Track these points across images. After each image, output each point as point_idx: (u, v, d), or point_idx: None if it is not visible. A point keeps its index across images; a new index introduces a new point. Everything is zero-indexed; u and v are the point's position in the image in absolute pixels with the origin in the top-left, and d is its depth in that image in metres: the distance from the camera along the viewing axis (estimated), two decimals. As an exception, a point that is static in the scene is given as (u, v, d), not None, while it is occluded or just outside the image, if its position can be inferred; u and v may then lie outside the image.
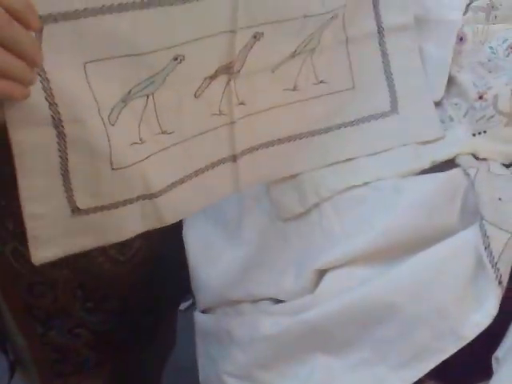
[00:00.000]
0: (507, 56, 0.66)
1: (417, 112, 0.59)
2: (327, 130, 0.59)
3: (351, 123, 0.59)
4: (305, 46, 0.56)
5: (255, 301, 0.60)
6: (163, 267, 0.72)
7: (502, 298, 0.49)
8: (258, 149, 0.56)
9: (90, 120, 0.43)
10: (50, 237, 0.45)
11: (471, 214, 0.54)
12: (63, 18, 0.38)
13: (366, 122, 0.59)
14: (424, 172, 0.56)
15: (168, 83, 0.47)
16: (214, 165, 0.54)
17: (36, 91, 0.39)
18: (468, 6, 0.76)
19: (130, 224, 0.49)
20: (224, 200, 0.63)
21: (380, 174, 0.57)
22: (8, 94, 0.36)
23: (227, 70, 0.51)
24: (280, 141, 0.57)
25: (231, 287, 0.62)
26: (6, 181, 0.61)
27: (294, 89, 0.57)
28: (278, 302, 0.59)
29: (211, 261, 0.64)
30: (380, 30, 0.59)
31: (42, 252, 0.45)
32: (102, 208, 0.46)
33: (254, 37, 0.51)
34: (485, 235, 0.51)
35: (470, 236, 0.52)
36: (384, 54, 0.60)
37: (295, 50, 0.55)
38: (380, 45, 0.60)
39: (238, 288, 0.61)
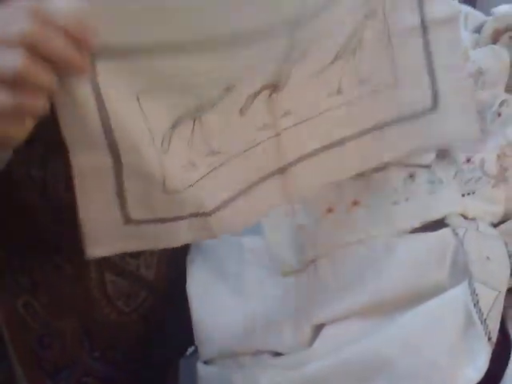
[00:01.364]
0: (494, 121, 0.70)
1: (457, 110, 0.57)
2: (370, 130, 0.57)
3: (393, 122, 0.57)
4: (345, 48, 0.53)
5: (256, 353, 0.63)
6: (167, 318, 0.75)
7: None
8: (305, 158, 0.55)
9: (145, 148, 0.44)
10: (105, 237, 0.48)
11: (461, 271, 0.56)
12: (118, 53, 0.40)
13: (407, 120, 0.57)
14: (415, 231, 0.59)
15: (217, 108, 0.48)
16: (263, 179, 0.54)
17: (94, 119, 0.41)
18: (458, 71, 0.81)
19: (180, 235, 0.51)
20: (225, 254, 0.67)
21: (373, 231, 0.60)
22: (30, 107, 0.36)
23: (271, 86, 0.51)
24: (326, 147, 0.56)
25: (232, 340, 0.64)
26: (20, 236, 0.65)
27: (338, 92, 0.55)
28: (278, 354, 0.62)
29: (213, 313, 0.67)
30: (424, 24, 0.54)
31: (96, 250, 0.47)
32: (153, 220, 0.49)
33: (301, 56, 0.50)
34: (474, 293, 0.54)
35: (459, 293, 0.55)
36: (427, 49, 0.55)
37: (336, 55, 0.53)
38: (423, 39, 0.55)
39: (239, 341, 0.64)
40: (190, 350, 0.98)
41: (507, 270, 0.56)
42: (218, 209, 0.51)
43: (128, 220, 0.48)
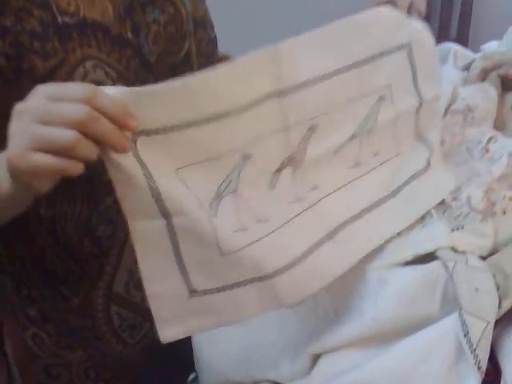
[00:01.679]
0: (482, 157, 0.74)
1: (440, 166, 0.67)
2: (390, 196, 0.64)
3: (406, 182, 0.65)
4: (362, 127, 0.61)
5: (254, 382, 0.65)
6: (169, 347, 0.77)
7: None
8: (348, 223, 0.61)
9: (195, 213, 0.49)
10: (174, 316, 0.51)
11: (451, 303, 0.59)
12: (155, 132, 0.46)
13: (414, 179, 0.65)
14: (407, 264, 0.62)
15: (244, 180, 0.53)
16: (315, 246, 0.58)
17: (144, 190, 0.46)
18: (447, 109, 0.85)
19: (247, 305, 0.54)
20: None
21: (368, 264, 0.63)
22: (70, 170, 0.43)
23: (291, 161, 0.56)
24: (361, 212, 0.62)
25: (232, 368, 0.66)
26: (30, 269, 0.68)
27: (356, 166, 0.63)
28: (276, 383, 0.64)
29: (213, 342, 0.69)
30: (421, 103, 0.65)
31: (168, 332, 0.51)
32: (217, 289, 0.52)
33: (310, 129, 0.57)
34: (464, 323, 0.56)
35: (450, 324, 0.57)
36: (417, 120, 0.66)
37: (353, 134, 0.61)
38: (416, 114, 0.66)
39: (239, 369, 0.66)
40: (191, 377, 1.00)
41: (495, 301, 0.58)
42: (278, 273, 0.54)
43: (192, 291, 0.51)
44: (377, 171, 0.64)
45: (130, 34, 0.61)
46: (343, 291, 0.63)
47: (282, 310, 0.66)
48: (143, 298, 0.73)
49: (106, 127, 0.42)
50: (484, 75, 0.94)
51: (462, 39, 2.31)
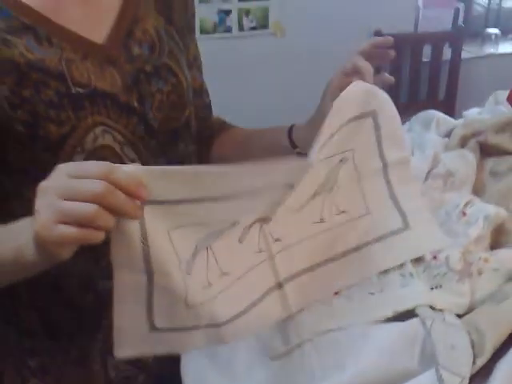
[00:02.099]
0: (459, 219, 0.79)
1: (424, 226, 0.70)
2: (354, 250, 0.69)
3: (374, 240, 0.69)
4: (323, 186, 0.67)
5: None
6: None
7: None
8: (300, 274, 0.67)
9: (174, 271, 0.55)
10: (132, 343, 0.58)
11: (429, 358, 0.62)
12: (160, 203, 0.52)
13: (384, 239, 0.69)
14: (388, 320, 0.66)
15: (224, 234, 0.59)
16: (265, 294, 0.65)
17: (136, 250, 0.52)
18: (428, 172, 0.91)
19: (195, 342, 0.61)
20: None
21: (351, 320, 0.67)
22: (92, 239, 0.48)
23: (262, 220, 0.63)
24: (318, 265, 0.68)
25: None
26: (32, 322, 0.71)
27: (321, 221, 0.68)
28: None
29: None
30: (384, 165, 0.69)
31: (123, 351, 0.58)
32: (174, 329, 0.59)
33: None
34: (440, 378, 0.60)
35: (427, 379, 0.60)
36: (388, 183, 0.70)
37: (315, 192, 0.66)
38: (385, 176, 0.70)
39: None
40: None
41: (470, 358, 0.62)
42: (228, 321, 0.61)
43: (153, 327, 0.58)
44: (343, 227, 0.69)
45: (136, 103, 0.67)
46: (329, 346, 0.67)
47: (271, 365, 0.69)
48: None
49: (120, 199, 0.47)
50: (464, 142, 1.00)
51: (449, 103, 2.42)
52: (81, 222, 0.47)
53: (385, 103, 0.68)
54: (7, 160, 0.63)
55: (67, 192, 0.47)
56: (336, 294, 0.70)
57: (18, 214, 0.64)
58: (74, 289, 0.69)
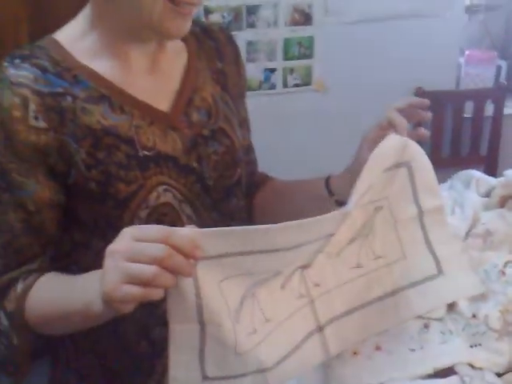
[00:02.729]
0: (498, 279, 0.81)
1: (459, 272, 0.73)
2: (391, 294, 0.71)
3: (409, 285, 0.71)
4: (360, 233, 0.70)
5: None
6: None
7: None
8: (338, 318, 0.70)
9: (224, 323, 0.59)
10: None
11: (468, 416, 0.64)
12: (213, 257, 0.57)
13: (418, 285, 0.71)
14: (427, 377, 0.68)
15: (264, 284, 0.63)
16: (306, 338, 0.68)
17: (190, 304, 0.57)
18: (468, 232, 0.94)
19: None
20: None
21: (392, 375, 0.69)
22: (154, 296, 0.53)
23: (303, 266, 0.67)
24: (355, 308, 0.71)
25: None
26: (91, 368, 0.76)
27: (358, 266, 0.71)
28: None
29: None
30: (420, 212, 0.73)
31: None
32: (224, 377, 0.62)
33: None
34: None
35: None
36: (424, 229, 0.73)
37: (352, 238, 0.70)
38: (420, 222, 0.73)
39: None
40: None
41: (510, 418, 0.63)
42: (274, 366, 0.64)
43: (205, 377, 0.62)
44: (379, 271, 0.72)
45: (194, 164, 0.74)
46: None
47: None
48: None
49: (177, 260, 0.53)
50: (503, 202, 1.02)
51: (492, 158, 2.42)
52: (144, 282, 0.52)
53: (418, 155, 0.72)
54: (78, 214, 0.70)
55: (132, 256, 0.53)
56: (377, 349, 0.73)
57: (84, 263, 0.70)
58: (131, 335, 0.74)
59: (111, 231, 0.58)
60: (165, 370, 0.73)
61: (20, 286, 0.67)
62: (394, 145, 0.70)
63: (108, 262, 0.54)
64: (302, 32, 2.17)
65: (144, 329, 0.74)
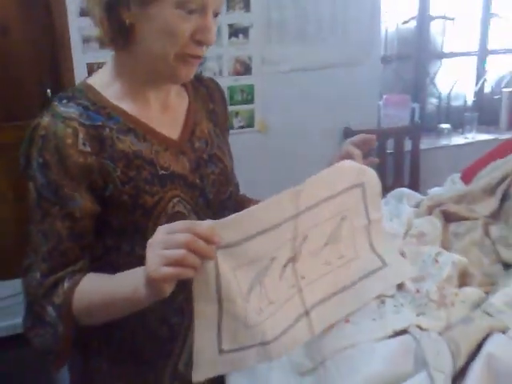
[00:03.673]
0: (433, 265, 1.03)
1: (397, 263, 0.96)
2: (351, 284, 0.93)
3: (364, 277, 0.93)
4: (331, 237, 0.90)
5: None
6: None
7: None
8: (319, 304, 0.89)
9: (238, 300, 0.76)
10: (206, 365, 0.77)
11: (420, 363, 0.84)
12: (228, 246, 0.74)
13: (370, 275, 0.94)
14: (388, 337, 0.88)
15: (267, 274, 0.81)
16: (296, 320, 0.85)
17: (212, 285, 0.73)
18: (405, 233, 1.17)
19: (250, 360, 0.79)
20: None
21: (361, 339, 0.88)
22: (186, 274, 0.69)
23: (292, 259, 0.85)
24: (330, 296, 0.90)
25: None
26: (121, 353, 0.90)
27: (328, 264, 0.91)
28: None
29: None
30: (369, 222, 0.95)
31: (200, 376, 0.76)
32: (235, 350, 0.78)
33: (304, 238, 0.86)
34: (431, 376, 0.81)
35: (421, 377, 0.82)
36: (369, 235, 0.96)
37: (326, 241, 0.90)
38: (367, 230, 0.95)
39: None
40: None
41: (450, 362, 0.84)
42: (274, 340, 0.81)
43: (221, 350, 0.78)
44: (341, 268, 0.93)
45: (198, 181, 0.92)
46: (345, 360, 0.88)
47: (300, 379, 0.89)
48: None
49: (201, 244, 0.69)
50: (430, 211, 1.27)
51: (413, 188, 2.74)
52: (177, 263, 0.68)
53: (371, 177, 0.94)
54: (110, 222, 0.86)
55: (165, 244, 0.69)
56: (347, 321, 0.92)
57: (115, 264, 0.85)
58: (154, 323, 0.90)
59: (138, 236, 0.75)
60: (180, 352, 0.90)
61: (67, 283, 0.82)
62: (352, 169, 0.92)
63: (149, 251, 0.70)
64: (244, 80, 2.44)
65: (164, 318, 0.90)
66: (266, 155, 2.47)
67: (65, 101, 0.85)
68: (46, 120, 0.82)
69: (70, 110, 0.83)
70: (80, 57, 2.03)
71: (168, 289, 0.70)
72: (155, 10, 0.80)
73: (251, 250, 0.78)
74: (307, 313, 0.88)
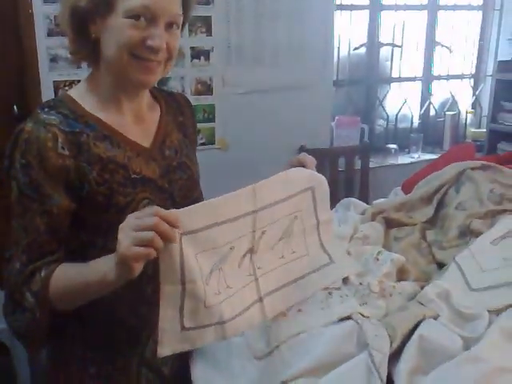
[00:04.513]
0: (375, 263, 1.17)
1: (343, 260, 1.08)
2: (301, 277, 1.04)
3: (312, 271, 1.05)
4: (285, 233, 1.01)
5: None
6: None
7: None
8: (272, 292, 0.99)
9: (199, 281, 0.85)
10: (169, 341, 0.86)
11: (363, 344, 0.97)
12: (191, 232, 0.84)
13: (318, 270, 1.05)
14: (334, 323, 1.01)
15: (226, 261, 0.91)
16: (251, 305, 0.96)
17: (176, 266, 0.83)
18: (351, 237, 1.31)
19: (208, 337, 0.89)
20: (217, 349, 1.03)
21: (311, 325, 1.01)
22: (153, 254, 0.77)
23: (251, 251, 0.96)
24: (283, 286, 1.01)
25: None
26: (94, 338, 0.99)
27: (282, 257, 1.02)
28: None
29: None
30: (318, 223, 1.05)
31: (163, 351, 0.85)
32: (195, 327, 0.87)
33: (263, 232, 0.97)
34: (371, 355, 0.94)
35: (363, 357, 0.94)
36: (319, 235, 1.06)
37: (281, 237, 1.02)
38: (317, 229, 1.06)
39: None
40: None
41: (388, 343, 0.97)
42: (230, 320, 0.92)
43: (183, 327, 0.87)
44: (294, 262, 1.05)
45: (167, 185, 1.03)
46: (298, 344, 1.00)
47: (258, 364, 1.00)
48: (165, 364, 1.04)
49: (166, 227, 0.78)
50: (373, 217, 1.42)
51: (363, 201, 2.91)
52: (145, 244, 0.77)
53: (320, 182, 1.06)
54: (85, 219, 0.95)
55: (135, 226, 0.78)
56: (299, 311, 1.05)
57: (89, 258, 0.94)
58: (124, 312, 0.99)
59: (111, 233, 0.84)
60: (147, 341, 0.99)
61: (44, 272, 0.90)
62: (304, 174, 1.04)
63: (121, 233, 0.79)
64: (205, 100, 2.57)
65: (133, 308, 0.99)
66: (226, 171, 2.57)
67: (47, 109, 0.94)
68: (29, 126, 0.91)
69: (51, 117, 0.93)
70: (47, 75, 2.10)
71: (137, 268, 0.78)
72: (112, 20, 0.92)
73: (211, 238, 0.88)
74: (261, 299, 0.99)
